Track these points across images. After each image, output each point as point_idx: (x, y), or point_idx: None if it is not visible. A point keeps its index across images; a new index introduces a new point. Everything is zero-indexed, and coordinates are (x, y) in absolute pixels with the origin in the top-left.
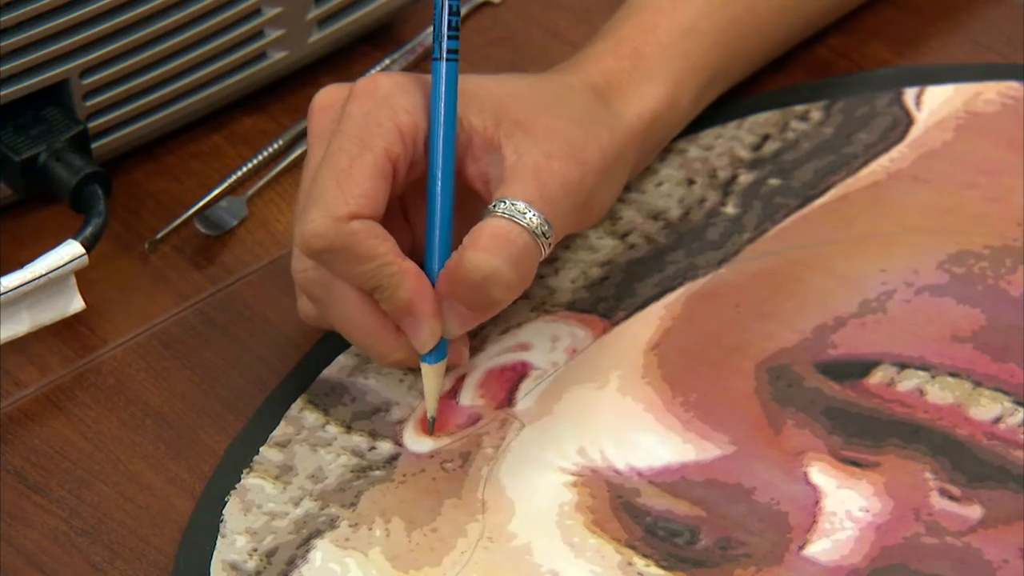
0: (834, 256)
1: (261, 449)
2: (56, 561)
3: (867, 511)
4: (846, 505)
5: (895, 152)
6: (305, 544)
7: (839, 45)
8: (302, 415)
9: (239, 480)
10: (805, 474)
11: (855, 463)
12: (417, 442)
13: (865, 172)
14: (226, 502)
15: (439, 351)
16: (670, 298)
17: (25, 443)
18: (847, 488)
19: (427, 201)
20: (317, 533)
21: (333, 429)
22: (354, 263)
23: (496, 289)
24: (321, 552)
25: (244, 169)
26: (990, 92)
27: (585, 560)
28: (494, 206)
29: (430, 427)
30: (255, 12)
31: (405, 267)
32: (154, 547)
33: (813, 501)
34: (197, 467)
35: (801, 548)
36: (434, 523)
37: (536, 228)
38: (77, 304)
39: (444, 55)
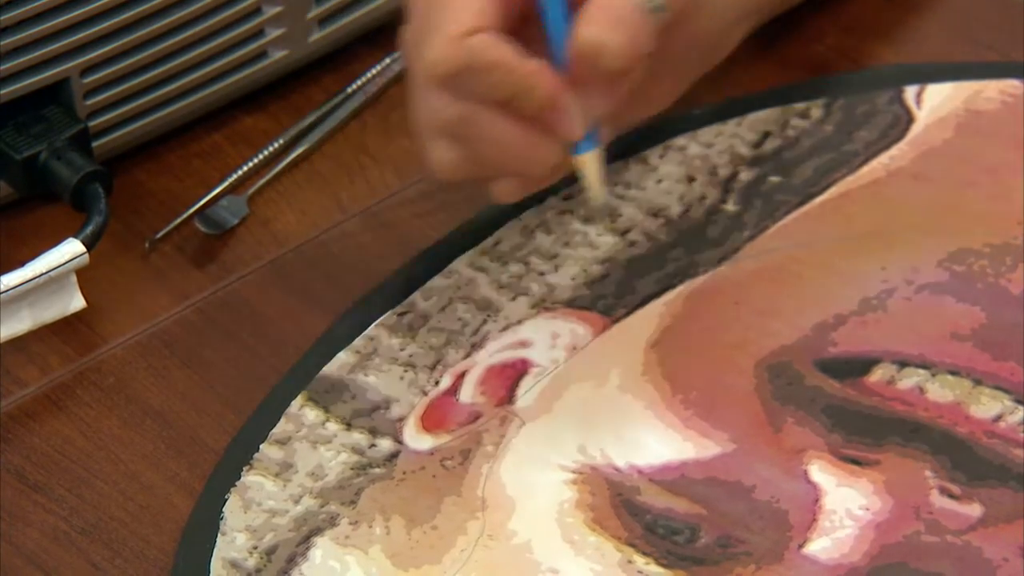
0: (834, 254)
1: (261, 446)
2: (56, 560)
3: (867, 509)
4: (846, 503)
5: (895, 150)
6: (305, 542)
7: (839, 43)
8: (302, 412)
9: (239, 478)
10: (805, 472)
11: (855, 461)
12: (417, 439)
13: (865, 170)
14: (226, 500)
15: (591, 139)
16: (670, 295)
17: (25, 442)
18: (847, 486)
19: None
20: (317, 531)
21: (333, 426)
22: (484, 75)
23: (606, 59)
24: (321, 550)
25: (245, 168)
26: (990, 90)
27: (585, 558)
28: None
29: (602, 209)
30: (255, 11)
31: (533, 67)
32: (154, 545)
33: (813, 499)
34: (197, 465)
35: (801, 546)
36: (434, 521)
37: None
38: (78, 303)
39: None
